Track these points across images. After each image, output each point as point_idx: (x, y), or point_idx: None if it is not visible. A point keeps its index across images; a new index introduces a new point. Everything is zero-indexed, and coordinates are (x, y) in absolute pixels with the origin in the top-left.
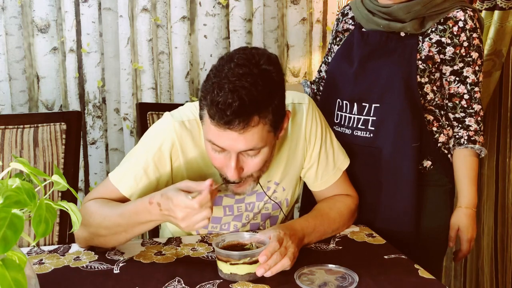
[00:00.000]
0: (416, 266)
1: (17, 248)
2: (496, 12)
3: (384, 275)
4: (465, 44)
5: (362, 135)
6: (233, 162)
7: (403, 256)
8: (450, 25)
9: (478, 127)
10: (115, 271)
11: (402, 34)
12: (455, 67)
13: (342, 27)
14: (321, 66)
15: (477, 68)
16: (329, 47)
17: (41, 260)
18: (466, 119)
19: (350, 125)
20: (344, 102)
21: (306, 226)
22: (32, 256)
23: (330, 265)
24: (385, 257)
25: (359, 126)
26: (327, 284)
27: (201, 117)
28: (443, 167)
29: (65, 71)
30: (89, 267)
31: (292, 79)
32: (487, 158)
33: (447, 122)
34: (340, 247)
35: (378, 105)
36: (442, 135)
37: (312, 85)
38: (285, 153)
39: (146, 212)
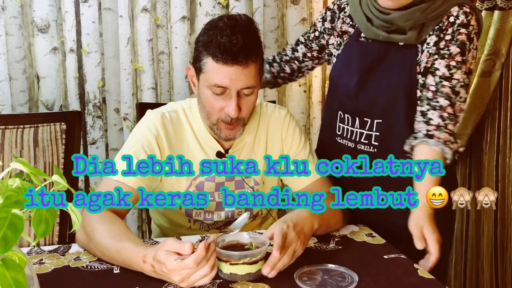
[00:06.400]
0: (416, 265)
1: (17, 248)
2: (496, 12)
3: (384, 274)
4: (447, 37)
5: (366, 149)
6: (234, 99)
7: (403, 256)
8: (444, 21)
9: (442, 123)
10: (115, 271)
11: (401, 43)
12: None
13: (340, 27)
14: (298, 45)
15: (453, 63)
16: (319, 30)
17: (41, 260)
18: (429, 112)
19: (353, 138)
20: (346, 115)
21: (313, 213)
22: (32, 256)
23: (329, 265)
24: (385, 256)
25: (362, 140)
26: (327, 283)
27: (200, 69)
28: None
29: (65, 71)
30: (89, 267)
31: None
32: (487, 158)
33: None
34: (340, 247)
35: (380, 120)
36: None
37: (272, 67)
38: (263, 143)
39: (139, 267)
